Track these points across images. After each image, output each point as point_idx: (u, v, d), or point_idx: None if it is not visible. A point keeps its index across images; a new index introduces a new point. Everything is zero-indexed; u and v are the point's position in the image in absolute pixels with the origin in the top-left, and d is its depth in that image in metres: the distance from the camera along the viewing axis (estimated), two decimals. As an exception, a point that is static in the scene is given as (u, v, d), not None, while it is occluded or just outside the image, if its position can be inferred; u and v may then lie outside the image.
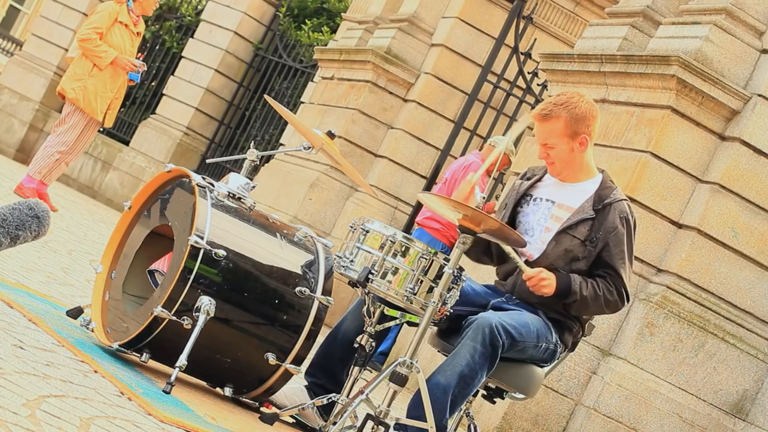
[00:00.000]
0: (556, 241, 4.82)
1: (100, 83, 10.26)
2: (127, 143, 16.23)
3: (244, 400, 4.93)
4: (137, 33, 10.59)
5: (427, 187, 11.07)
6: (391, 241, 4.53)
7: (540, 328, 4.73)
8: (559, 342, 4.82)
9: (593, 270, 4.83)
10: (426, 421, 4.38)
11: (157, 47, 16.97)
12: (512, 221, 4.97)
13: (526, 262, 4.87)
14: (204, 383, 5.00)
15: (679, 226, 7.22)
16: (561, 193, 4.91)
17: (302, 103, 13.56)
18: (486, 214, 4.42)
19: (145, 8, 10.60)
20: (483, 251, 5.01)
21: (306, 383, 5.00)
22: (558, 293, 4.74)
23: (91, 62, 10.26)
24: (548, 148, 4.83)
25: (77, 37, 10.36)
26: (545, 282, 4.71)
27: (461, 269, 4.51)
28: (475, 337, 4.53)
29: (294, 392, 4.95)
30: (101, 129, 14.12)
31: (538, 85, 10.95)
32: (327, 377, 4.94)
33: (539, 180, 5.01)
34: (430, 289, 4.50)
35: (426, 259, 4.51)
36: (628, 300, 4.88)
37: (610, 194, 4.86)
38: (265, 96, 5.69)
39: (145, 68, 10.72)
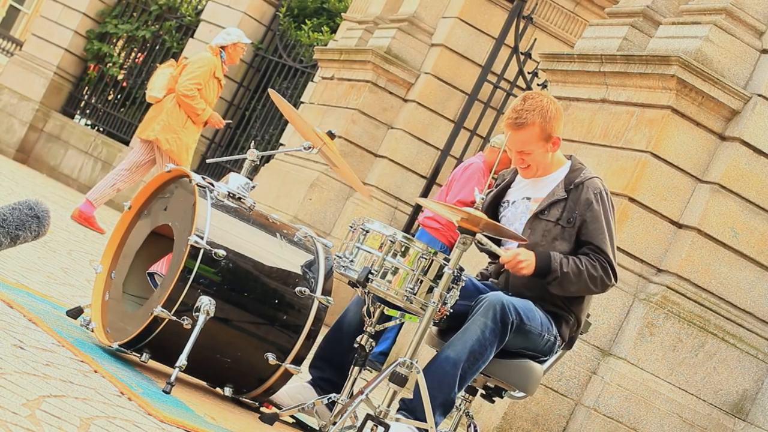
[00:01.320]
0: (531, 228, 4.84)
1: (191, 135, 10.36)
2: (127, 143, 16.24)
3: (244, 400, 4.93)
4: (221, 85, 10.68)
5: (427, 188, 11.07)
6: (391, 241, 4.53)
7: (543, 318, 4.77)
8: (558, 335, 4.85)
9: (576, 250, 4.83)
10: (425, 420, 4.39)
11: (157, 47, 16.97)
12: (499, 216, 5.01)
13: None
14: (204, 383, 5.00)
15: (679, 226, 7.22)
16: (534, 189, 4.95)
17: (302, 103, 13.56)
18: (484, 216, 4.43)
19: (233, 59, 10.66)
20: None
21: (310, 378, 4.99)
22: (538, 272, 4.74)
23: (186, 115, 10.30)
24: (525, 155, 4.85)
25: (179, 90, 10.36)
26: (523, 264, 4.72)
27: (461, 269, 4.51)
28: (486, 313, 4.57)
29: (297, 390, 4.94)
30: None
31: (538, 85, 10.94)
32: (333, 370, 4.93)
33: (510, 184, 5.04)
34: (430, 289, 4.50)
35: (426, 259, 4.52)
36: (615, 278, 4.82)
37: (580, 174, 4.88)
38: (269, 90, 5.67)
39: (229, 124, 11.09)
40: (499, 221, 4.98)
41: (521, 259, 4.72)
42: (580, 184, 4.83)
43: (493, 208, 5.04)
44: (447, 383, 4.52)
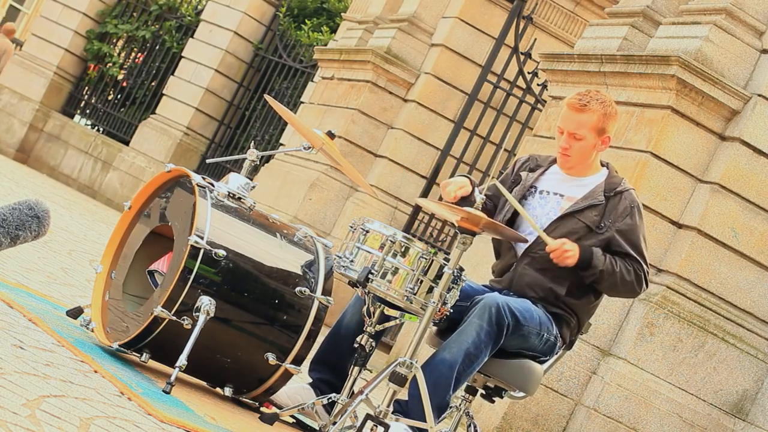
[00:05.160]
0: (559, 225, 4.84)
1: None
2: (127, 143, 16.24)
3: (244, 400, 4.93)
4: None
5: (427, 188, 11.07)
6: (391, 241, 4.53)
7: (542, 317, 4.77)
8: (558, 336, 4.84)
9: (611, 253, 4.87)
10: (425, 418, 4.39)
11: (157, 47, 16.96)
12: (515, 214, 4.97)
13: (526, 250, 4.87)
14: (204, 383, 5.00)
15: (679, 226, 7.22)
16: (569, 187, 4.95)
17: (302, 103, 13.57)
18: (484, 215, 4.42)
19: None
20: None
21: (310, 381, 5.00)
22: (579, 264, 4.79)
23: None
24: (575, 139, 4.87)
25: None
26: (569, 253, 4.75)
27: (461, 269, 4.51)
28: (482, 315, 4.57)
29: (296, 391, 4.94)
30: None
31: (538, 85, 10.95)
32: (332, 372, 4.93)
33: (543, 172, 5.02)
34: (430, 289, 4.50)
35: (426, 259, 4.51)
36: (647, 285, 4.92)
37: (620, 183, 4.96)
38: (265, 96, 5.67)
39: None
40: (521, 203, 4.96)
41: (568, 248, 4.76)
42: (619, 193, 4.90)
43: (517, 187, 5.01)
44: (442, 386, 4.52)
